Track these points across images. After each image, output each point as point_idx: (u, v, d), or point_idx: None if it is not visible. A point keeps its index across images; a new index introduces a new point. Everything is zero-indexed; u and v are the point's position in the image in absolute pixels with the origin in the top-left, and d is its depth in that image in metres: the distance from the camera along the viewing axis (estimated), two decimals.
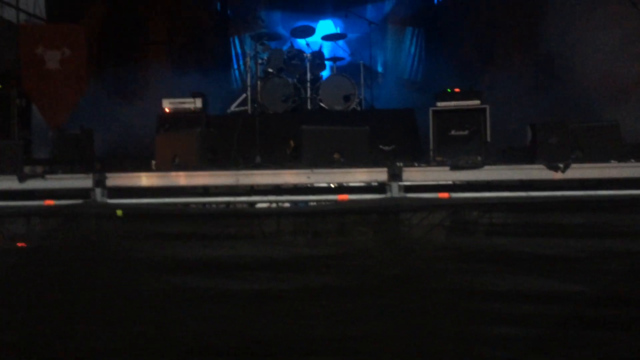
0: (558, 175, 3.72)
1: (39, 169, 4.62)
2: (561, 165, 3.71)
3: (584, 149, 4.40)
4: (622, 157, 4.20)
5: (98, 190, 3.88)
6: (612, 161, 3.99)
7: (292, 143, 5.19)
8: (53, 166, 5.81)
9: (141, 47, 8.86)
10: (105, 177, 3.90)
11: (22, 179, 4.00)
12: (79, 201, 3.86)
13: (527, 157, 4.97)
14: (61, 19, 9.26)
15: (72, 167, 5.58)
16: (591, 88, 6.60)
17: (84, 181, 3.94)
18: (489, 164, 3.92)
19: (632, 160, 3.98)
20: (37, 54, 8.71)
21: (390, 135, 6.39)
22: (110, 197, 3.91)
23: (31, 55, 8.70)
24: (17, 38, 8.88)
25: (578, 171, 3.74)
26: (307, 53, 8.33)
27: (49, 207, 3.87)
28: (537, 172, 3.79)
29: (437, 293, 3.57)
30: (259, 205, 4.27)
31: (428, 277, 3.60)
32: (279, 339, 3.61)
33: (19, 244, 3.93)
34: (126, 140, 7.64)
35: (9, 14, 9.33)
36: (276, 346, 3.61)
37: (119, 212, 3.72)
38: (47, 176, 4.05)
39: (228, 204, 4.23)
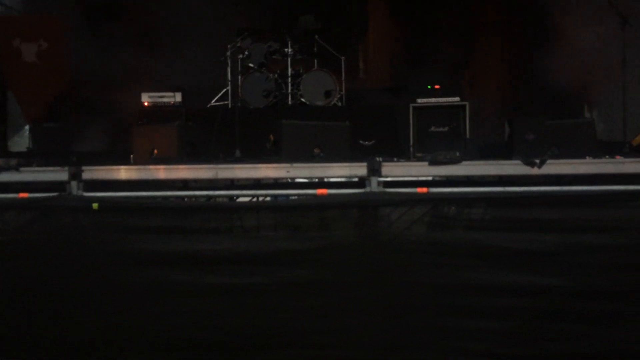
0: (534, 171, 3.76)
1: (13, 162, 4.52)
2: (537, 161, 3.75)
3: (560, 145, 4.46)
4: (597, 154, 4.26)
5: (74, 184, 3.82)
6: (588, 157, 4.06)
7: (271, 137, 5.17)
8: (29, 159, 5.71)
9: (121, 40, 8.71)
10: (82, 170, 3.84)
11: None
12: (54, 194, 3.81)
13: (505, 153, 5.03)
14: (38, 11, 9.09)
15: (48, 160, 5.49)
16: (567, 86, 6.70)
17: (59, 174, 3.88)
18: (468, 159, 3.95)
19: (607, 157, 4.05)
20: (13, 46, 8.55)
21: (371, 131, 6.40)
22: (87, 190, 3.86)
23: (7, 47, 8.52)
24: None
25: (554, 167, 3.78)
26: (289, 48, 8.29)
27: (23, 200, 3.80)
28: (514, 167, 3.83)
29: (414, 287, 3.60)
30: (239, 200, 4.26)
31: (406, 272, 3.62)
32: (258, 332, 3.61)
33: None
34: (105, 134, 7.54)
35: None
36: (255, 339, 3.61)
37: (95, 206, 3.68)
38: (22, 169, 3.98)
39: (208, 198, 4.21)
